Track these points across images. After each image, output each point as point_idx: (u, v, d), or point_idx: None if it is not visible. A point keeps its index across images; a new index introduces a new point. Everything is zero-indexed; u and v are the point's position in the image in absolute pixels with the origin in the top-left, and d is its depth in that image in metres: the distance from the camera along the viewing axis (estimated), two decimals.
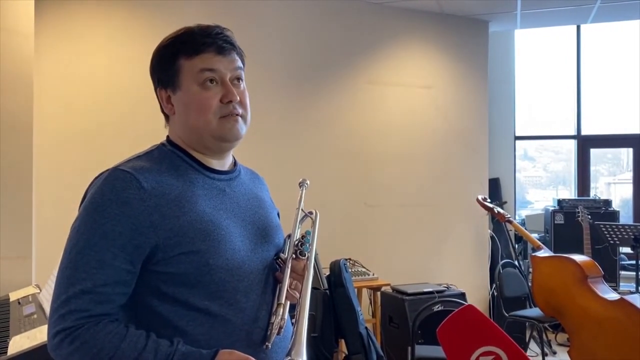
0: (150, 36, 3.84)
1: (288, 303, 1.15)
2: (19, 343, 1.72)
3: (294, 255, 1.20)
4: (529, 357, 1.30)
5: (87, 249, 1.05)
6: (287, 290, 1.16)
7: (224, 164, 1.24)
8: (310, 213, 1.37)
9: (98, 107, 3.73)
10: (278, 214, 1.35)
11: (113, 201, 1.07)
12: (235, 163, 1.29)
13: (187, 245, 1.08)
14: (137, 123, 3.78)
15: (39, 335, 1.75)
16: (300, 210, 1.34)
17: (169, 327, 1.08)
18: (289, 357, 0.99)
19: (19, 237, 2.89)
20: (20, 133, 2.90)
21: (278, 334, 1.11)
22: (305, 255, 1.21)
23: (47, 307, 2.18)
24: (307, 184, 1.42)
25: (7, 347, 1.73)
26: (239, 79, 1.20)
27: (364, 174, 4.61)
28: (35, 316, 2.07)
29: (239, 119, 1.18)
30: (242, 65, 1.22)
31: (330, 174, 4.42)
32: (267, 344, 1.10)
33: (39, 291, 2.54)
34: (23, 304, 2.33)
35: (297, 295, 1.17)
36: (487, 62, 5.14)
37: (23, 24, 2.95)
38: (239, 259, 1.14)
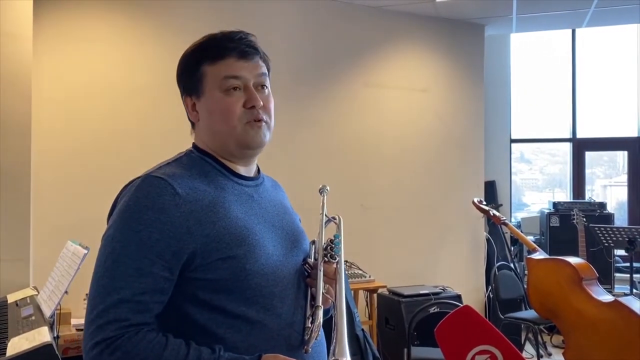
0: (152, 39, 3.89)
1: (322, 306, 1.15)
2: (17, 344, 1.74)
3: (324, 259, 1.20)
4: (525, 358, 1.33)
5: (124, 257, 1.03)
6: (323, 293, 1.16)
7: (250, 170, 1.25)
8: (334, 218, 1.38)
9: (97, 110, 3.74)
10: (299, 220, 1.36)
11: (149, 208, 1.05)
12: (258, 170, 1.30)
13: (224, 251, 1.07)
14: (137, 126, 3.79)
15: (37, 336, 1.76)
16: (323, 215, 1.35)
17: (207, 335, 1.07)
18: (334, 358, 0.99)
19: (16, 239, 2.91)
20: (18, 136, 2.92)
21: (316, 337, 1.11)
22: (336, 259, 1.21)
23: (45, 309, 2.20)
24: (327, 189, 1.44)
25: (5, 349, 1.75)
26: (263, 85, 1.20)
27: (360, 176, 4.63)
28: (33, 318, 2.08)
29: (263, 125, 1.18)
30: (266, 72, 1.22)
31: (326, 176, 4.43)
32: (306, 347, 1.10)
33: (36, 293, 2.55)
34: (21, 306, 2.34)
35: (331, 298, 1.18)
36: (483, 65, 5.17)
37: (21, 27, 2.97)
38: (273, 264, 1.14)
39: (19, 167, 2.91)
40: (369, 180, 4.67)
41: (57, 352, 1.75)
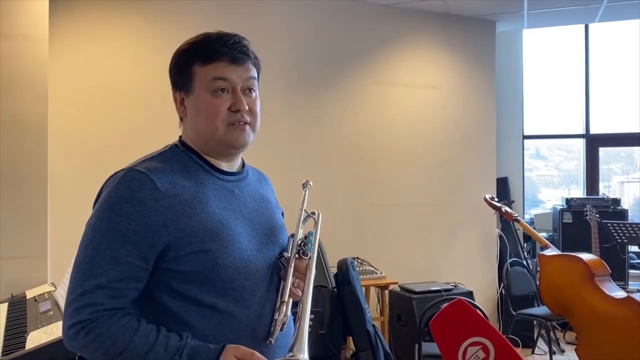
0: (164, 39, 3.94)
1: (291, 301, 1.20)
2: (36, 338, 1.79)
3: (296, 255, 1.24)
4: (514, 348, 1.35)
5: (102, 245, 1.10)
6: (290, 288, 1.20)
7: (233, 165, 1.29)
8: (313, 213, 1.41)
9: (112, 109, 3.80)
10: (282, 214, 1.39)
11: (128, 200, 1.11)
12: (243, 164, 1.34)
13: (197, 245, 1.12)
14: (152, 125, 3.84)
15: (55, 330, 1.81)
16: (303, 210, 1.38)
17: (178, 322, 1.12)
18: (291, 354, 1.03)
19: (34, 237, 2.97)
20: (35, 135, 2.97)
21: (281, 330, 1.17)
22: (307, 255, 1.24)
23: (63, 304, 2.25)
24: (310, 185, 1.47)
25: (25, 342, 1.80)
26: (250, 89, 1.23)
27: (371, 174, 4.64)
28: (51, 312, 2.13)
29: (247, 127, 1.22)
30: (255, 76, 1.25)
31: (337, 174, 4.46)
32: (270, 339, 1.16)
33: (54, 289, 2.60)
34: (39, 301, 2.39)
35: (300, 293, 1.21)
36: (495, 62, 5.15)
37: (37, 28, 3.01)
38: (246, 258, 1.18)
39: (36, 167, 2.96)
40: (380, 178, 4.67)
41: None
